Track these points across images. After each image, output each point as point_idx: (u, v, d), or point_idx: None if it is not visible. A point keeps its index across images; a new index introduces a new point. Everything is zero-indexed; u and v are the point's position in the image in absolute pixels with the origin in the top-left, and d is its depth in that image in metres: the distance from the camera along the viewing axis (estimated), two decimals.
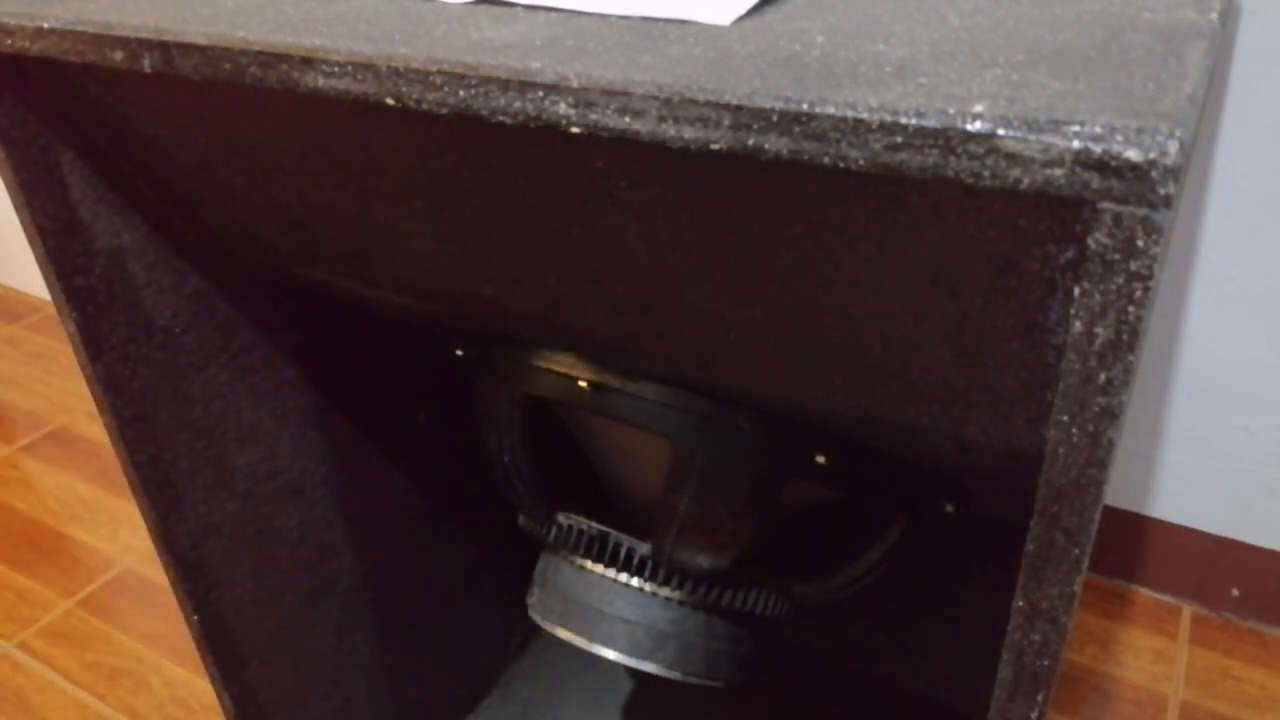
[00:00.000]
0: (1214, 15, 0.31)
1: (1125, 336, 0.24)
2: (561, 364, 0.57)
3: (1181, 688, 0.88)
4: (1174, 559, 0.95)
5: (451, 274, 0.49)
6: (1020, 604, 0.29)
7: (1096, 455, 0.26)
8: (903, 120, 0.24)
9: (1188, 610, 0.95)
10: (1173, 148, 0.22)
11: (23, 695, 0.99)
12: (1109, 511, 0.94)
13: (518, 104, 0.30)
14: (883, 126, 0.25)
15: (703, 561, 0.57)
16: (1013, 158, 0.23)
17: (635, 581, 0.59)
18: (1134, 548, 0.96)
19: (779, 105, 0.26)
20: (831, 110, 0.25)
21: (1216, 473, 0.88)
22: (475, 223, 0.44)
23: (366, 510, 0.74)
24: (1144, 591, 0.97)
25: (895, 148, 0.25)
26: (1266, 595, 0.92)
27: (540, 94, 0.30)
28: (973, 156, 0.24)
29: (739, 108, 0.26)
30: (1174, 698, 0.87)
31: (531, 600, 0.64)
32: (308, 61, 0.34)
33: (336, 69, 0.33)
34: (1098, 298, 0.24)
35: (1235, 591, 0.93)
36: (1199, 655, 0.91)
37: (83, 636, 1.05)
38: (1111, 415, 0.25)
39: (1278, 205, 0.73)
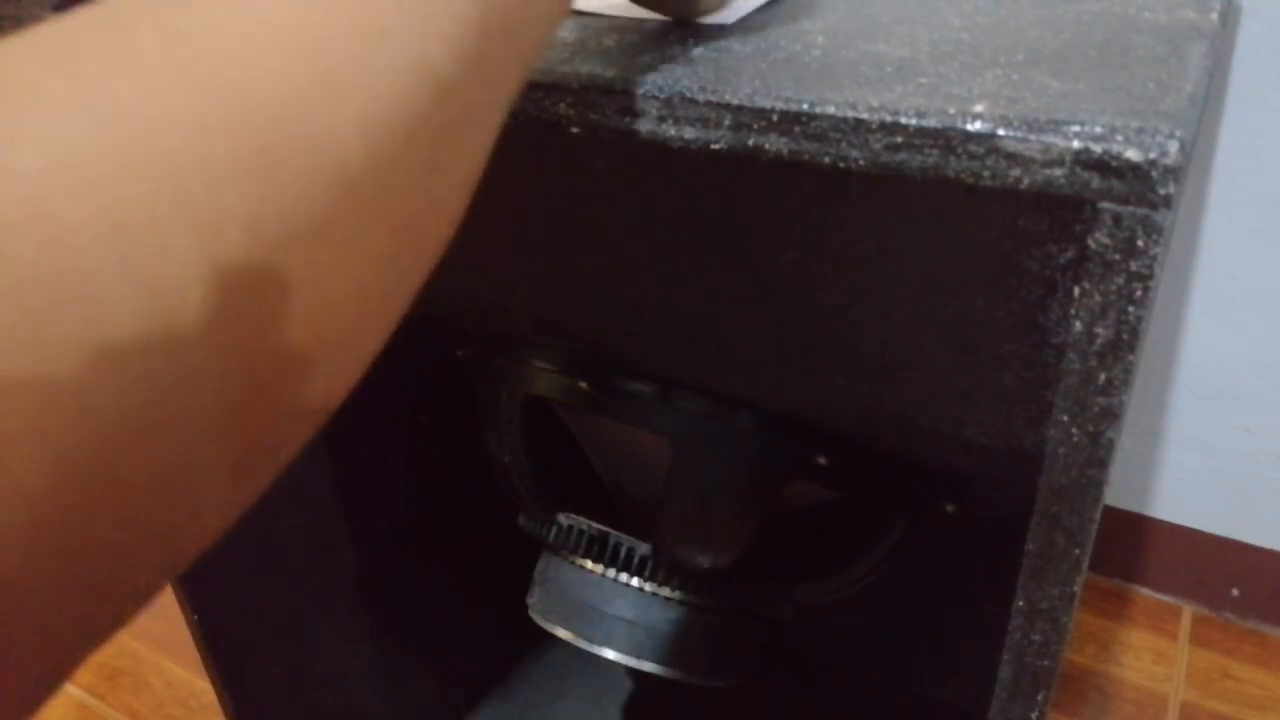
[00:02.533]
0: (1214, 15, 0.31)
1: (1125, 336, 0.24)
2: (561, 364, 0.57)
3: (1182, 688, 0.88)
4: (1174, 559, 0.95)
5: (451, 274, 0.49)
6: (1020, 604, 0.29)
7: (1097, 455, 0.26)
8: (903, 120, 0.24)
9: (1188, 610, 0.95)
10: (1173, 148, 0.22)
11: None
12: (1109, 511, 0.94)
13: (517, 104, 0.30)
14: (883, 126, 0.25)
15: (703, 562, 0.57)
16: (1013, 158, 0.23)
17: (635, 581, 0.59)
18: (1134, 548, 0.96)
19: (779, 105, 0.26)
20: (832, 110, 0.25)
21: (1217, 473, 0.88)
22: (475, 224, 0.44)
23: (366, 510, 0.74)
24: (1144, 591, 0.97)
25: (895, 148, 0.25)
26: (1266, 595, 0.92)
27: (540, 94, 0.30)
28: (973, 156, 0.24)
29: (739, 108, 0.26)
30: (1174, 698, 0.87)
31: (531, 600, 0.64)
32: None
33: None
34: (1098, 298, 0.24)
35: (1235, 591, 0.93)
36: (1199, 655, 0.91)
37: None
38: (1112, 415, 0.25)
39: (1278, 205, 0.73)
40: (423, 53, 0.18)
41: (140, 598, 0.16)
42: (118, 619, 0.16)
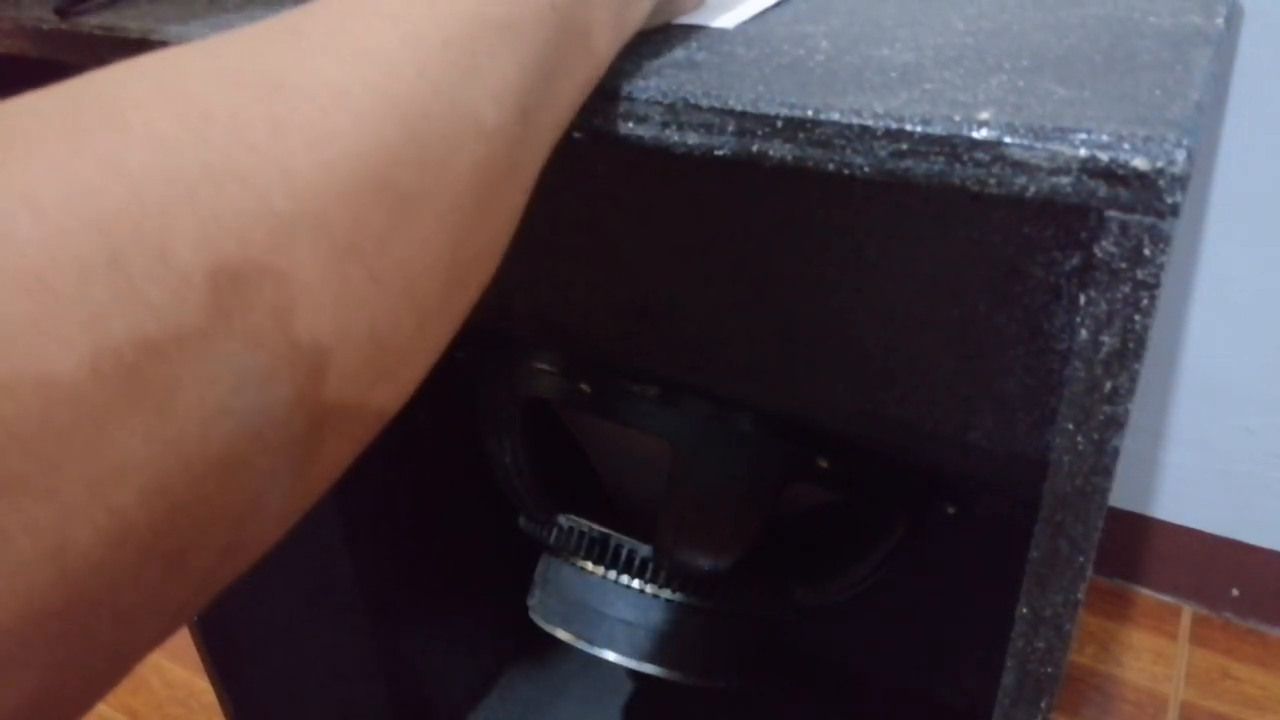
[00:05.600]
0: (1219, 20, 0.31)
1: (1131, 345, 0.24)
2: (562, 366, 0.57)
3: (1181, 688, 0.88)
4: (1174, 559, 0.95)
5: None
6: (1024, 611, 0.29)
7: (1101, 463, 0.26)
8: (908, 127, 0.24)
9: (1188, 610, 0.95)
10: (1180, 156, 0.21)
11: None
12: (1109, 512, 0.94)
13: None
14: (888, 133, 0.24)
15: (704, 564, 0.57)
16: (1019, 165, 0.23)
17: (636, 583, 0.59)
18: (1134, 548, 0.96)
19: (783, 111, 0.26)
20: (836, 117, 0.25)
21: (1217, 473, 0.88)
22: None
23: (366, 510, 0.74)
24: (1144, 592, 0.97)
25: (900, 154, 0.25)
26: (1266, 595, 0.92)
27: None
28: (979, 164, 0.24)
29: (743, 114, 0.26)
30: (1174, 698, 0.87)
31: (532, 602, 0.64)
32: None
33: None
34: (1104, 306, 0.24)
35: (1235, 591, 0.93)
36: (1199, 655, 0.91)
37: None
38: (1117, 424, 0.25)
39: (1278, 207, 0.73)
40: (470, 105, 0.21)
41: (209, 584, 0.18)
42: (187, 605, 0.17)
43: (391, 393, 0.20)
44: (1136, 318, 0.23)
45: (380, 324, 0.19)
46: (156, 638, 0.17)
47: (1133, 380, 0.24)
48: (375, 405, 0.20)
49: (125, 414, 0.14)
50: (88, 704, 0.16)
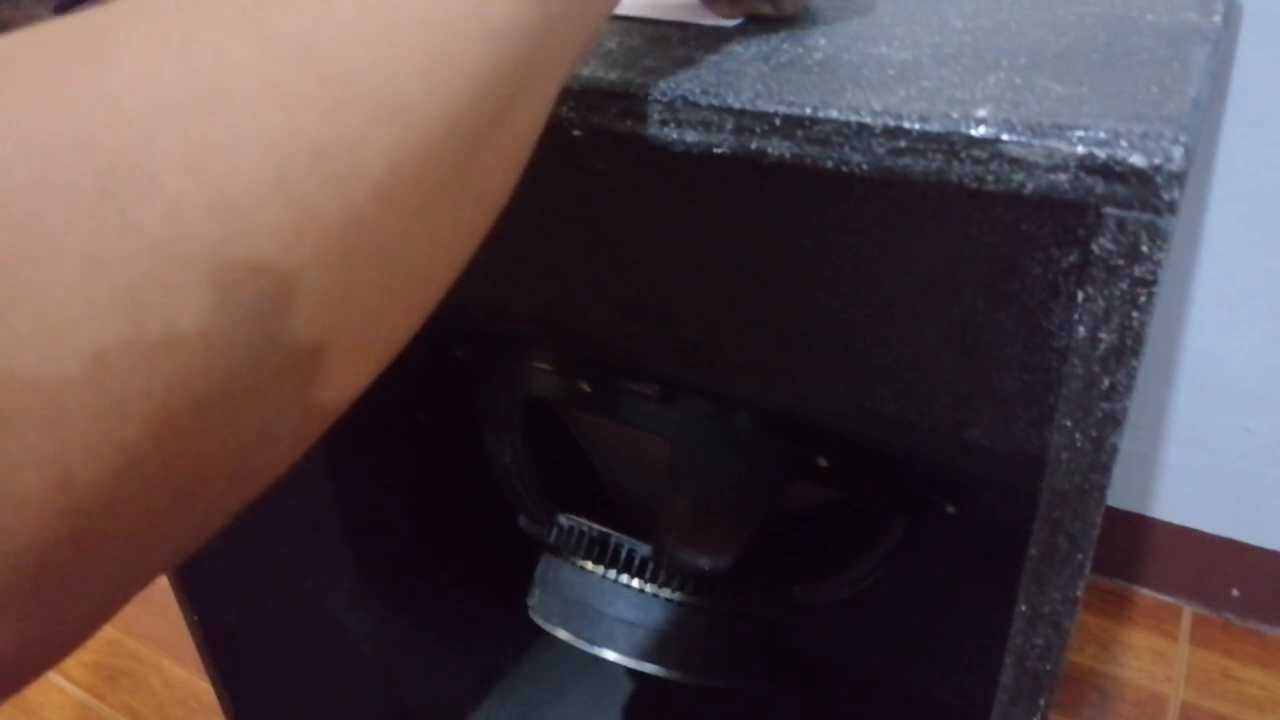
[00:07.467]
0: (1217, 18, 0.31)
1: (1129, 342, 0.24)
2: (562, 365, 0.57)
3: (1182, 688, 0.88)
4: (1174, 559, 0.95)
5: None
6: (1023, 608, 0.29)
7: (1100, 460, 0.26)
8: (906, 125, 0.24)
9: (1188, 610, 0.95)
10: (1177, 153, 0.22)
11: (23, 695, 0.99)
12: (1109, 512, 0.94)
13: None
14: (886, 131, 0.24)
15: (703, 563, 0.57)
16: (1016, 162, 0.23)
17: (635, 583, 0.59)
18: (1134, 548, 0.96)
19: (782, 109, 0.26)
20: (835, 115, 0.25)
21: (1217, 473, 0.88)
22: None
23: (366, 510, 0.74)
24: (1144, 592, 0.97)
25: (899, 152, 0.25)
26: (1266, 595, 0.92)
27: None
28: (976, 161, 0.24)
29: (742, 111, 0.26)
30: (1174, 698, 0.87)
31: (532, 601, 0.64)
32: None
33: None
34: (1101, 303, 0.24)
35: (1235, 591, 0.93)
36: (1199, 655, 0.91)
37: None
38: (1115, 421, 0.25)
39: (1278, 205, 0.73)
40: (475, 3, 0.19)
41: (216, 513, 0.17)
42: (193, 535, 0.17)
43: (402, 316, 0.20)
44: (1134, 314, 0.23)
45: (390, 244, 0.18)
46: (161, 567, 0.17)
47: (1131, 377, 0.24)
48: (385, 328, 0.19)
49: (125, 345, 0.14)
50: (92, 629, 0.16)
